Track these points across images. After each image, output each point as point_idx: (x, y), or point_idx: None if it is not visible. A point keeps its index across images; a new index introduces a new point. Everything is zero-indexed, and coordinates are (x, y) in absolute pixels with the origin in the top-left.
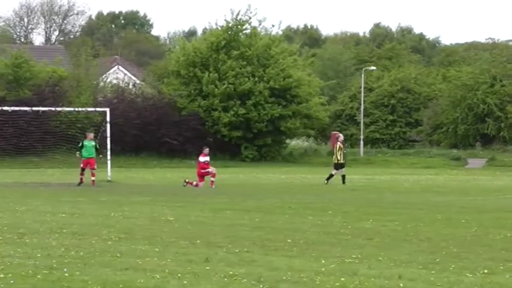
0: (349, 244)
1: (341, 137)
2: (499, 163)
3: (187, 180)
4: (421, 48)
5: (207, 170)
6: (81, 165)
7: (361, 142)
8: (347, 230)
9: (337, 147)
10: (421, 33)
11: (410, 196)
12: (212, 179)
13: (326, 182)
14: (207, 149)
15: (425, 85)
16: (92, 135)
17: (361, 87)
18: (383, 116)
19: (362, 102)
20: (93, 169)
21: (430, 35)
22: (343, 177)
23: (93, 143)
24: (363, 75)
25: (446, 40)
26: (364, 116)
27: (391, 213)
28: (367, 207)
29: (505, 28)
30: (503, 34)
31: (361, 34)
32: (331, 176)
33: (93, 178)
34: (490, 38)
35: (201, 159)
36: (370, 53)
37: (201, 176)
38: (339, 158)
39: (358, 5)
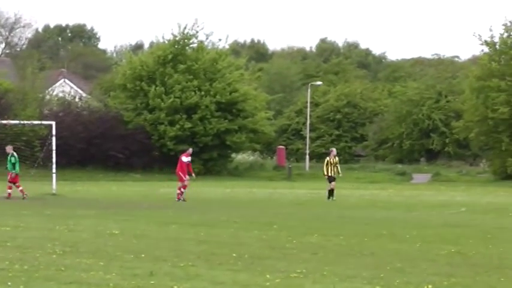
0: (294, 259)
1: (334, 151)
2: (444, 178)
3: (178, 193)
4: (367, 63)
5: (184, 180)
6: (11, 179)
7: (307, 157)
8: (292, 245)
9: (329, 161)
10: (368, 49)
11: (355, 211)
12: (182, 190)
13: (332, 198)
14: (191, 149)
15: (371, 100)
16: (9, 148)
17: (307, 102)
18: (329, 131)
19: (308, 116)
20: (11, 182)
21: (376, 51)
22: (331, 192)
23: (11, 158)
24: (309, 90)
25: (392, 56)
26: (310, 130)
27: (336, 228)
28: (313, 222)
29: (451, 44)
30: (449, 50)
31: (307, 49)
32: (331, 191)
33: (8, 191)
34: (435, 54)
35: (184, 159)
36: (317, 67)
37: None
38: (328, 172)
39: (305, 20)
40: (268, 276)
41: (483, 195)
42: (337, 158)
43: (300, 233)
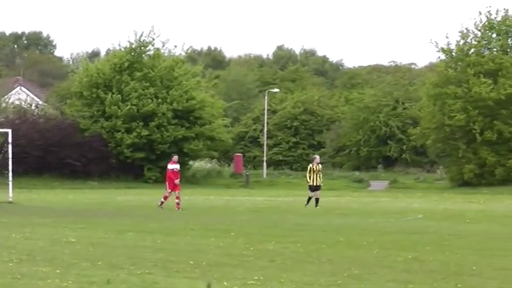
0: (252, 266)
1: (317, 158)
2: (401, 185)
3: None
4: (324, 70)
5: (168, 189)
6: None
7: (264, 164)
8: (249, 252)
9: (312, 169)
10: (325, 56)
11: (312, 218)
12: (176, 200)
13: (307, 205)
14: (176, 156)
15: (328, 107)
16: None
17: (264, 109)
18: (286, 138)
19: (265, 124)
20: None
21: (333, 58)
22: (317, 200)
23: None
24: (266, 97)
25: (349, 63)
26: (267, 138)
27: (293, 235)
28: (270, 229)
29: (408, 51)
30: (406, 57)
31: (264, 56)
32: (310, 198)
33: None
34: (392, 61)
35: (169, 166)
36: (274, 75)
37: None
38: (310, 180)
39: (262, 28)
40: (225, 283)
41: (440, 202)
42: (320, 166)
43: (257, 240)
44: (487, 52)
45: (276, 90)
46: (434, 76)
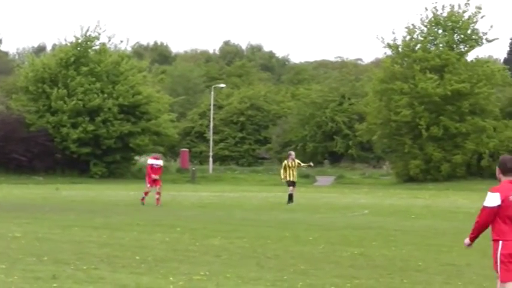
0: (197, 261)
1: (292, 154)
2: (347, 181)
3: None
4: (271, 66)
5: (155, 184)
6: None
7: (211, 159)
8: (195, 247)
9: (287, 165)
10: (271, 51)
11: (259, 213)
12: (157, 196)
13: (290, 203)
14: (157, 154)
15: (275, 103)
16: None
17: (210, 105)
18: (232, 133)
19: (211, 119)
20: None
21: (279, 53)
22: (291, 196)
23: None
24: (212, 93)
25: (296, 58)
26: (213, 133)
27: (239, 230)
28: (216, 224)
29: (354, 47)
30: (352, 53)
31: (211, 51)
32: (290, 195)
33: None
34: (339, 57)
35: (149, 161)
36: (220, 70)
37: (151, 182)
38: (284, 176)
39: (208, 23)
40: (171, 278)
41: (386, 198)
42: (296, 161)
43: (203, 236)
44: (433, 48)
45: (222, 85)
46: (380, 72)
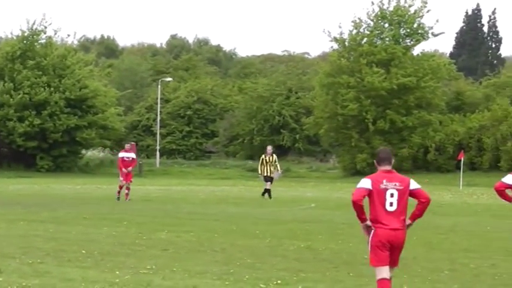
0: (144, 255)
1: (270, 149)
2: (294, 174)
3: (119, 192)
4: (218, 59)
5: (128, 178)
6: None
7: (158, 153)
8: (142, 241)
9: (264, 160)
10: (218, 45)
11: (206, 207)
12: (126, 191)
13: (265, 196)
14: (127, 144)
15: (222, 96)
16: None
17: (157, 98)
18: (179, 127)
19: (158, 113)
20: None
21: (226, 47)
22: (268, 191)
23: None
24: (159, 86)
25: (243, 52)
26: (160, 126)
27: (186, 224)
28: (163, 218)
29: (301, 41)
30: (299, 47)
31: (158, 45)
32: (266, 190)
33: None
34: (285, 51)
35: (120, 155)
36: (167, 64)
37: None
38: (264, 171)
39: (155, 16)
40: (117, 272)
41: (333, 191)
42: (275, 156)
43: (150, 230)
44: (379, 42)
45: (169, 79)
46: (327, 65)
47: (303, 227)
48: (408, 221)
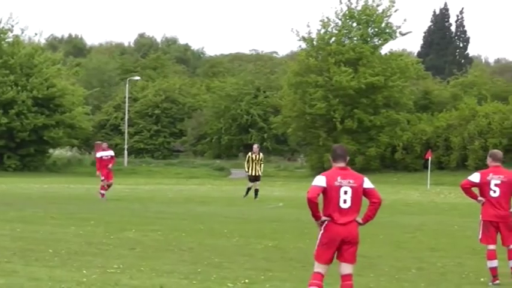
0: (111, 254)
1: (256, 147)
2: (262, 173)
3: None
4: (186, 58)
5: (108, 177)
6: None
7: (125, 152)
8: (109, 240)
9: (250, 158)
10: (186, 44)
11: (173, 206)
12: (101, 189)
13: (245, 196)
14: (104, 143)
15: (190, 96)
16: None
17: (125, 97)
18: (147, 126)
19: (126, 112)
20: None
21: (195, 46)
22: (256, 191)
23: None
24: (127, 85)
25: (211, 51)
26: (128, 126)
27: (154, 223)
28: (130, 217)
29: (269, 40)
30: (267, 46)
31: (126, 44)
32: (249, 189)
33: None
34: (254, 50)
35: (97, 154)
36: (135, 63)
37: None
38: (250, 170)
39: (123, 15)
40: (84, 271)
41: (301, 190)
42: (261, 155)
43: (118, 229)
44: (347, 41)
45: (137, 78)
46: (295, 65)
47: (271, 226)
48: (360, 221)
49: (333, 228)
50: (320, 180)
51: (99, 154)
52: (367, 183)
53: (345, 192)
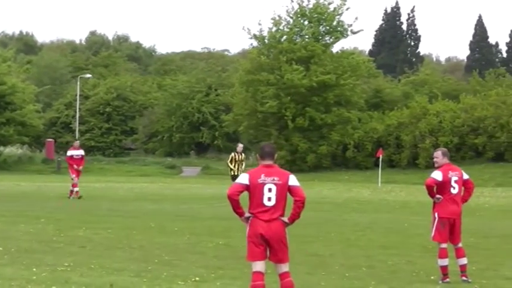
0: (62, 252)
1: (240, 146)
2: (214, 171)
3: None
4: (138, 56)
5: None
6: None
7: None
8: (60, 238)
9: (234, 158)
10: (138, 42)
11: (124, 204)
12: (75, 189)
13: None
14: (77, 142)
15: (141, 93)
16: None
17: (76, 95)
18: (99, 124)
19: (78, 109)
20: None
21: (146, 44)
22: None
23: None
24: (78, 83)
25: (163, 49)
26: (79, 123)
27: (105, 221)
28: (81, 215)
29: (221, 38)
30: (219, 44)
31: (77, 42)
32: None
33: None
34: (205, 48)
35: (69, 152)
36: (86, 60)
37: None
38: (233, 170)
39: (74, 13)
40: (34, 269)
41: None
42: (243, 155)
43: (68, 227)
44: (299, 39)
45: (89, 75)
46: (247, 63)
47: (222, 224)
48: (287, 221)
49: (257, 225)
50: (243, 178)
51: (69, 153)
52: (293, 181)
53: (269, 190)
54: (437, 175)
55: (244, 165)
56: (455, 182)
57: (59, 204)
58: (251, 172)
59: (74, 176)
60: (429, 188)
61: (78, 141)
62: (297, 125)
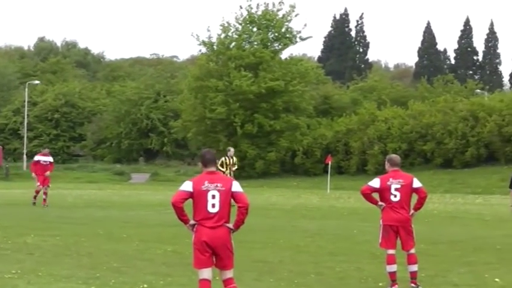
0: (9, 259)
1: (231, 150)
2: (162, 178)
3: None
4: (86, 63)
5: (45, 183)
6: None
7: (25, 156)
8: (7, 245)
9: (224, 162)
10: (86, 48)
11: (73, 211)
12: (44, 196)
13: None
14: (47, 149)
15: (90, 100)
16: None
17: (25, 101)
18: (47, 130)
19: (26, 116)
20: None
21: (95, 50)
22: None
23: None
24: (26, 89)
25: (112, 55)
26: (27, 130)
27: (53, 228)
28: (29, 222)
29: (169, 44)
30: (168, 50)
31: (25, 48)
32: None
33: None
34: (154, 54)
35: (36, 157)
36: (35, 67)
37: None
38: (226, 173)
39: (22, 19)
40: None
41: None
42: (234, 159)
43: (16, 234)
44: (247, 46)
45: (37, 82)
46: (195, 69)
47: (170, 230)
48: (231, 227)
49: (202, 232)
50: (186, 186)
51: (36, 158)
52: (236, 187)
53: (213, 197)
54: (374, 182)
55: (235, 168)
56: (396, 189)
57: (6, 210)
58: (195, 179)
59: (39, 183)
60: (364, 195)
61: (47, 149)
62: (245, 132)
